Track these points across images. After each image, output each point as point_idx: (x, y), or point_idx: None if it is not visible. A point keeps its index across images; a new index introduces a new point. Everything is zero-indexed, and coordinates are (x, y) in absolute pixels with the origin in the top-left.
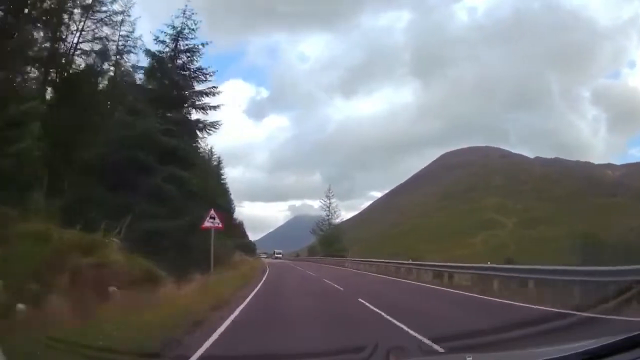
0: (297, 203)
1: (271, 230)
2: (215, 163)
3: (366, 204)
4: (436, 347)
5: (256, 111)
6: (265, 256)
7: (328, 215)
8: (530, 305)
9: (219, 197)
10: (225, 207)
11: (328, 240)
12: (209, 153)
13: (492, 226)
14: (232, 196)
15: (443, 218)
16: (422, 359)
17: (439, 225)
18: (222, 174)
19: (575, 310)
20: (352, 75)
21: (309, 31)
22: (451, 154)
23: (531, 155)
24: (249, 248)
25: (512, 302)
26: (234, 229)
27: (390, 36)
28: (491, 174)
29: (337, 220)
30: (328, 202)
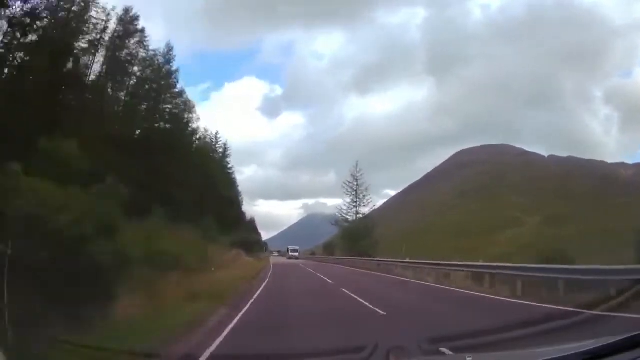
0: (311, 201)
1: (285, 228)
2: (220, 151)
3: (380, 202)
4: (435, 347)
5: (270, 109)
6: (277, 254)
7: (355, 202)
8: None
9: (223, 188)
10: (229, 198)
11: (354, 234)
12: (213, 138)
13: (515, 224)
14: (240, 188)
15: (461, 216)
16: (422, 359)
17: (459, 224)
18: (228, 164)
19: None
20: (367, 73)
21: (324, 28)
22: (465, 152)
23: (545, 153)
24: (256, 245)
25: None
26: (239, 224)
27: (405, 33)
28: (507, 171)
29: (367, 209)
30: (355, 183)
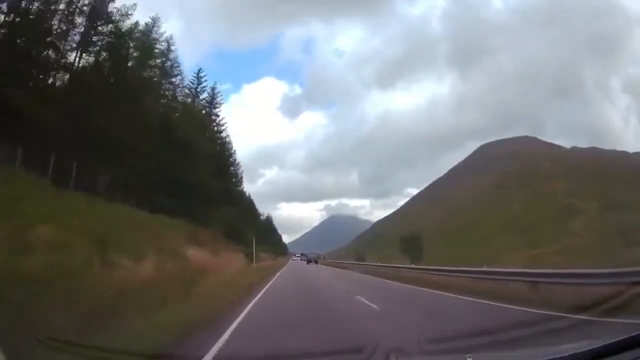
0: (333, 202)
1: (307, 230)
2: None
3: (403, 201)
4: (435, 347)
5: (291, 109)
6: (297, 257)
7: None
8: None
9: (205, 145)
10: (214, 160)
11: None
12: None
13: (574, 211)
14: (238, 159)
15: (506, 209)
16: (422, 359)
17: (508, 216)
18: (217, 115)
19: None
20: (389, 68)
21: (343, 23)
22: (490, 145)
23: (567, 145)
24: (271, 244)
25: None
26: (236, 204)
27: (426, 25)
28: (539, 161)
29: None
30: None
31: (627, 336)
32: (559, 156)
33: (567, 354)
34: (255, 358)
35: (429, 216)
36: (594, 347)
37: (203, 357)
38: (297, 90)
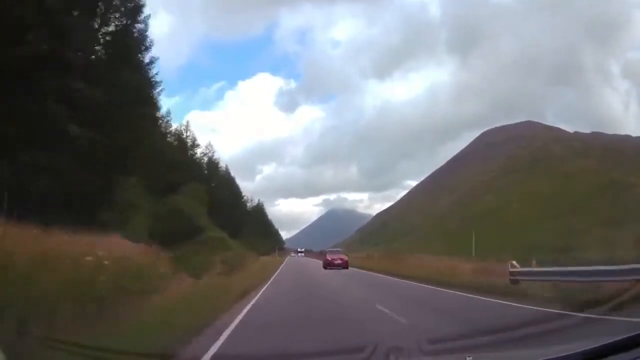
0: (332, 196)
1: (306, 226)
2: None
3: (402, 193)
4: (435, 347)
5: (287, 104)
6: (301, 253)
7: None
8: None
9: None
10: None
11: None
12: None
13: (626, 186)
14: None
15: (525, 190)
16: (422, 359)
17: (535, 199)
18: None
19: None
20: (387, 57)
21: (339, 11)
22: (491, 131)
23: (569, 129)
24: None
25: None
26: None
27: (424, 11)
28: (546, 144)
29: None
30: None
31: (626, 336)
32: (566, 139)
33: (567, 354)
34: (256, 357)
35: (437, 205)
36: (594, 347)
37: (203, 356)
38: (294, 84)
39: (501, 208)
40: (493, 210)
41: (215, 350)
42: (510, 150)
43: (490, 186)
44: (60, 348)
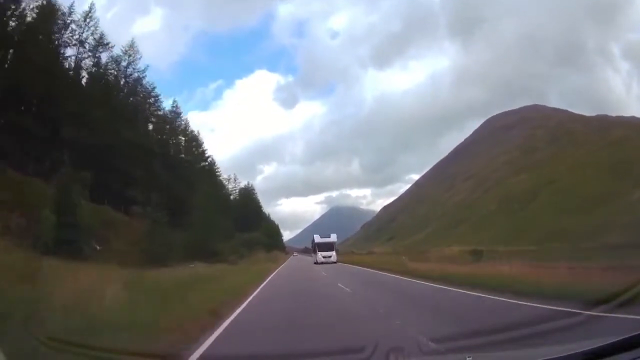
0: (334, 194)
1: (308, 224)
2: None
3: (405, 187)
4: (436, 346)
5: (286, 100)
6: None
7: None
8: None
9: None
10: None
11: None
12: None
13: None
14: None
15: (555, 168)
16: (422, 358)
17: (573, 176)
18: None
19: None
20: (386, 45)
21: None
22: (498, 116)
23: (574, 111)
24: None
25: None
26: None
27: None
28: (563, 123)
29: None
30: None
31: (627, 336)
32: (580, 119)
33: (567, 354)
34: (256, 357)
35: (452, 194)
36: (594, 347)
37: (203, 356)
38: (292, 80)
39: (534, 190)
40: (523, 192)
41: (216, 349)
42: (524, 131)
43: (515, 168)
44: (61, 348)
